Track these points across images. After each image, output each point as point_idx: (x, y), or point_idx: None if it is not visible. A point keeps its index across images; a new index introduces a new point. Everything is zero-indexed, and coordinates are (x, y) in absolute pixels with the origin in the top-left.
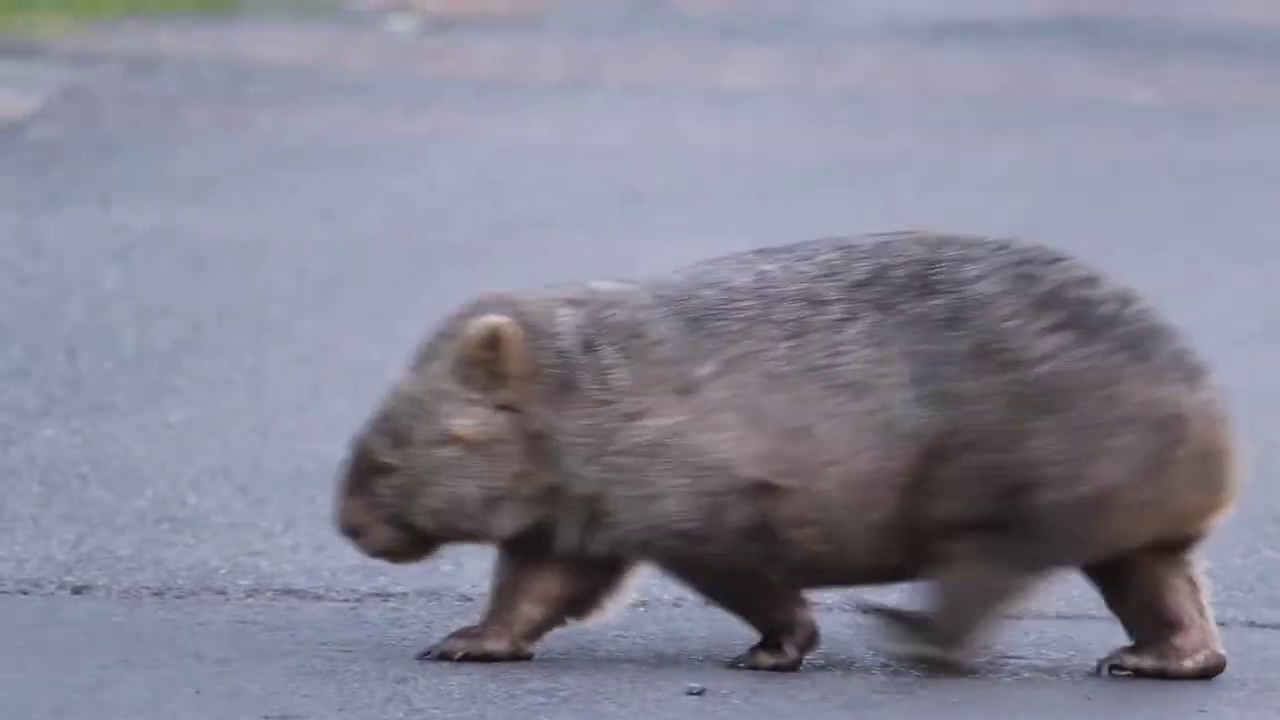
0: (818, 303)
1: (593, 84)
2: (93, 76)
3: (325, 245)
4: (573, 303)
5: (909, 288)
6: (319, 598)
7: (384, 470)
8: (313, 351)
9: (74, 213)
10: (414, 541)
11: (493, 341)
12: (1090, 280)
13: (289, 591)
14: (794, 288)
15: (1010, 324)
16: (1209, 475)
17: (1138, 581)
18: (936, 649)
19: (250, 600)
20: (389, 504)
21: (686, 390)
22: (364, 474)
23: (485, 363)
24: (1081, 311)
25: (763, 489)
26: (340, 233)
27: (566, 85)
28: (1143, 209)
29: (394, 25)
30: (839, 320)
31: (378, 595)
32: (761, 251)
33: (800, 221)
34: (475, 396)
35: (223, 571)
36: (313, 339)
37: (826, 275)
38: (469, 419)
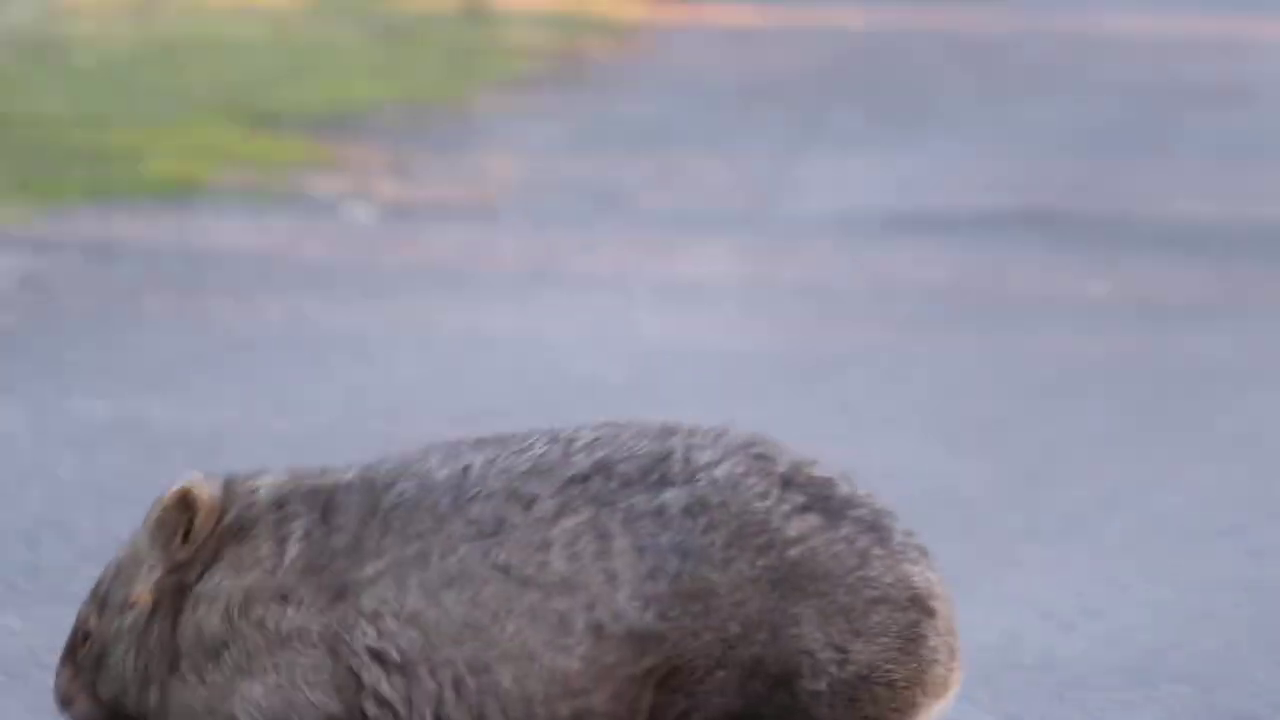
0: (522, 500)
1: (550, 275)
2: (50, 263)
3: (283, 436)
4: (288, 472)
5: (638, 481)
6: None
7: (86, 638)
8: None
9: (31, 401)
10: (108, 717)
11: (185, 503)
12: (813, 461)
13: None
14: (498, 483)
15: (761, 505)
16: (951, 650)
17: None
18: None
19: None
20: (88, 674)
21: (341, 595)
22: (75, 643)
23: (176, 525)
24: (821, 493)
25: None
26: (298, 424)
27: (524, 276)
28: (1096, 406)
29: (353, 214)
30: (547, 516)
31: None
32: (477, 442)
33: (758, 412)
34: (159, 558)
35: None
36: None
37: (537, 471)
38: (146, 581)
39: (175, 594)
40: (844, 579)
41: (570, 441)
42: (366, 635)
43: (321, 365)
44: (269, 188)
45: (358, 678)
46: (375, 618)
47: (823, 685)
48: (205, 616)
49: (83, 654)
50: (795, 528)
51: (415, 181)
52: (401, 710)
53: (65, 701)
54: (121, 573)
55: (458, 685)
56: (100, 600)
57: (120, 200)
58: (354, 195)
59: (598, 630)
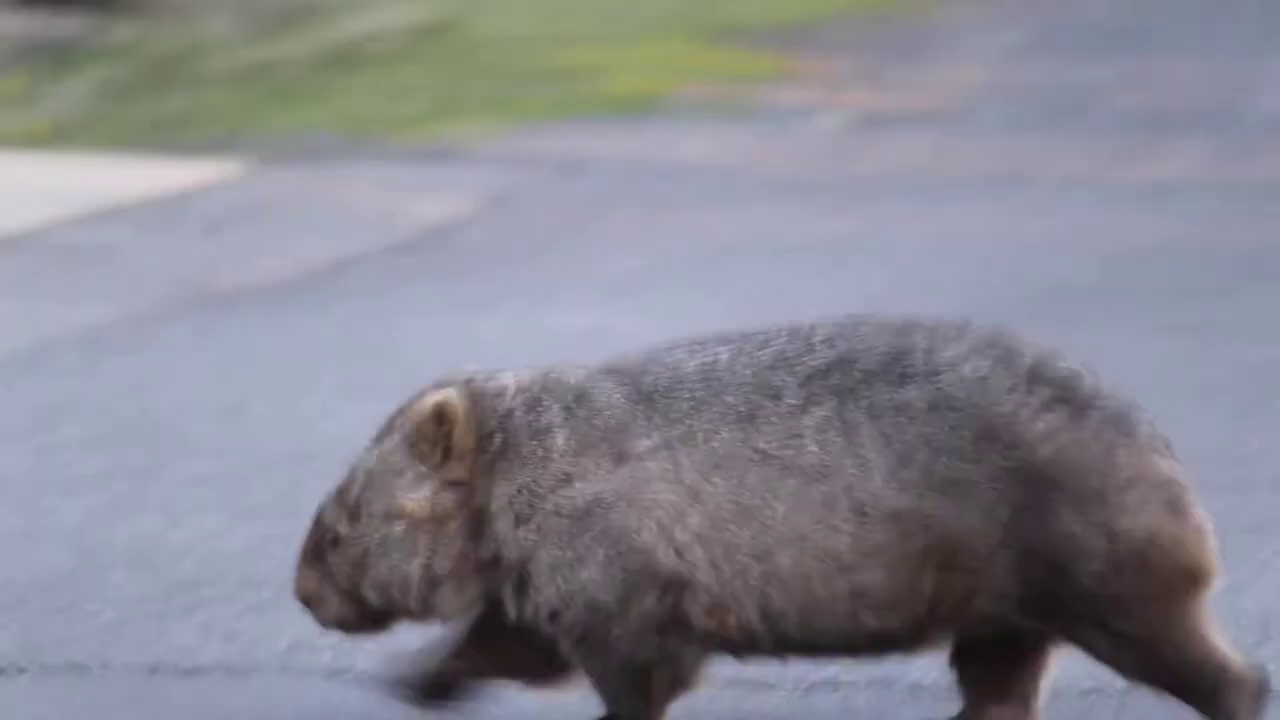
0: (771, 390)
1: (1020, 179)
2: (520, 180)
3: None
4: (528, 372)
5: (878, 377)
6: (770, 687)
7: (337, 542)
8: None
9: (507, 313)
10: (364, 615)
11: (440, 416)
12: (1056, 355)
13: (738, 682)
14: (747, 373)
15: (1008, 402)
16: (1211, 547)
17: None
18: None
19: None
20: (340, 576)
21: (622, 459)
22: (319, 545)
23: (434, 438)
24: (1068, 387)
25: (679, 583)
26: None
27: (993, 180)
28: None
29: (817, 124)
30: (796, 407)
31: (828, 684)
32: (720, 338)
33: (1234, 313)
34: (424, 472)
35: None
36: None
37: (781, 362)
38: (418, 494)
39: (459, 509)
40: (1094, 469)
41: (810, 336)
42: (663, 492)
43: (786, 275)
44: (731, 101)
45: (668, 538)
46: (661, 481)
47: (1099, 565)
48: (505, 530)
49: (334, 557)
50: (1043, 423)
51: (881, 90)
52: (711, 576)
53: (311, 601)
54: (375, 482)
55: (744, 570)
56: (351, 508)
57: (586, 116)
58: (818, 106)
59: (860, 511)
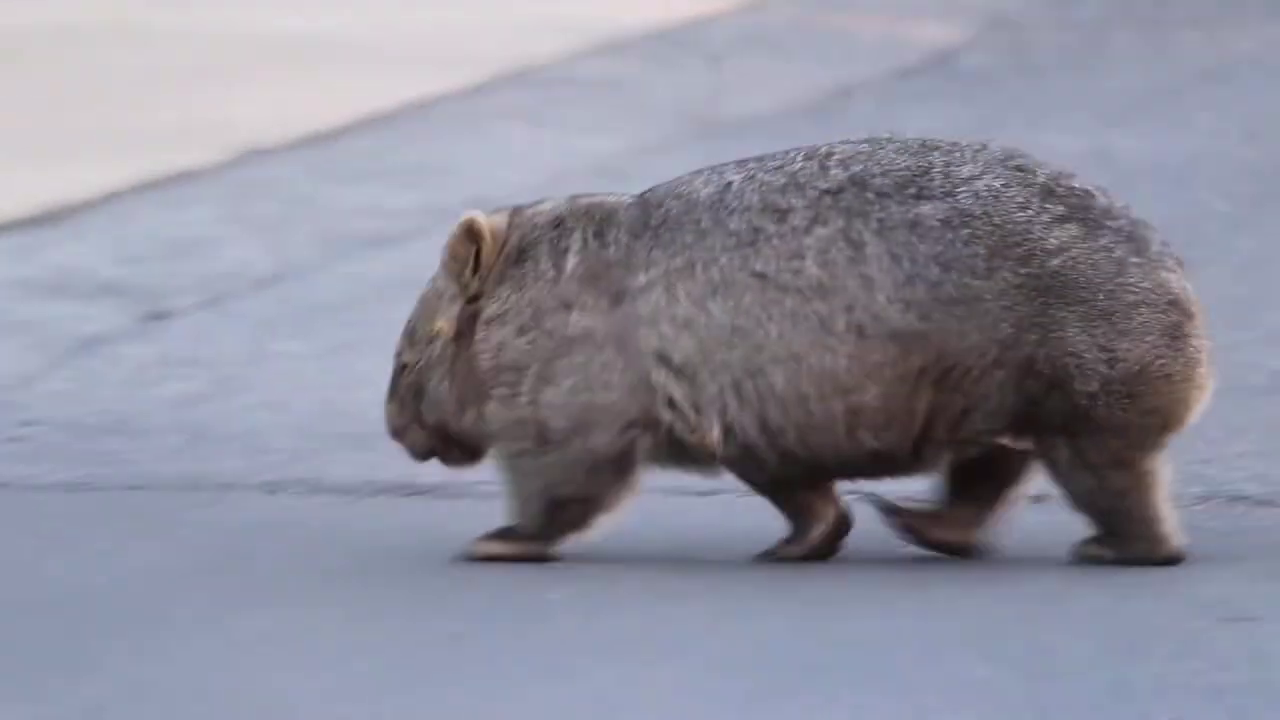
0: (778, 211)
1: None
2: (1019, 4)
3: (1252, 165)
4: (570, 197)
5: (894, 194)
6: (1271, 503)
7: (404, 370)
8: (1246, 265)
9: (1003, 137)
10: (447, 442)
11: (470, 234)
12: (1071, 173)
13: (1239, 498)
14: (754, 198)
15: (1022, 216)
16: (1210, 353)
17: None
18: (1138, 549)
19: (1200, 507)
20: (411, 403)
21: (618, 298)
22: (395, 376)
23: (465, 256)
24: (1081, 203)
25: (642, 422)
26: (1268, 153)
27: None
28: None
29: None
30: (801, 226)
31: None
32: (739, 162)
33: None
34: (455, 292)
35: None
36: (1246, 253)
37: (792, 185)
38: (448, 313)
39: (472, 321)
40: (1104, 286)
41: (827, 156)
42: (648, 338)
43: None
44: None
45: (648, 379)
46: (653, 322)
47: (1095, 386)
48: (502, 335)
49: (403, 386)
50: (1056, 237)
51: None
52: (690, 414)
53: (396, 433)
54: (426, 307)
55: (737, 388)
56: (410, 334)
57: None
58: None
59: (859, 330)
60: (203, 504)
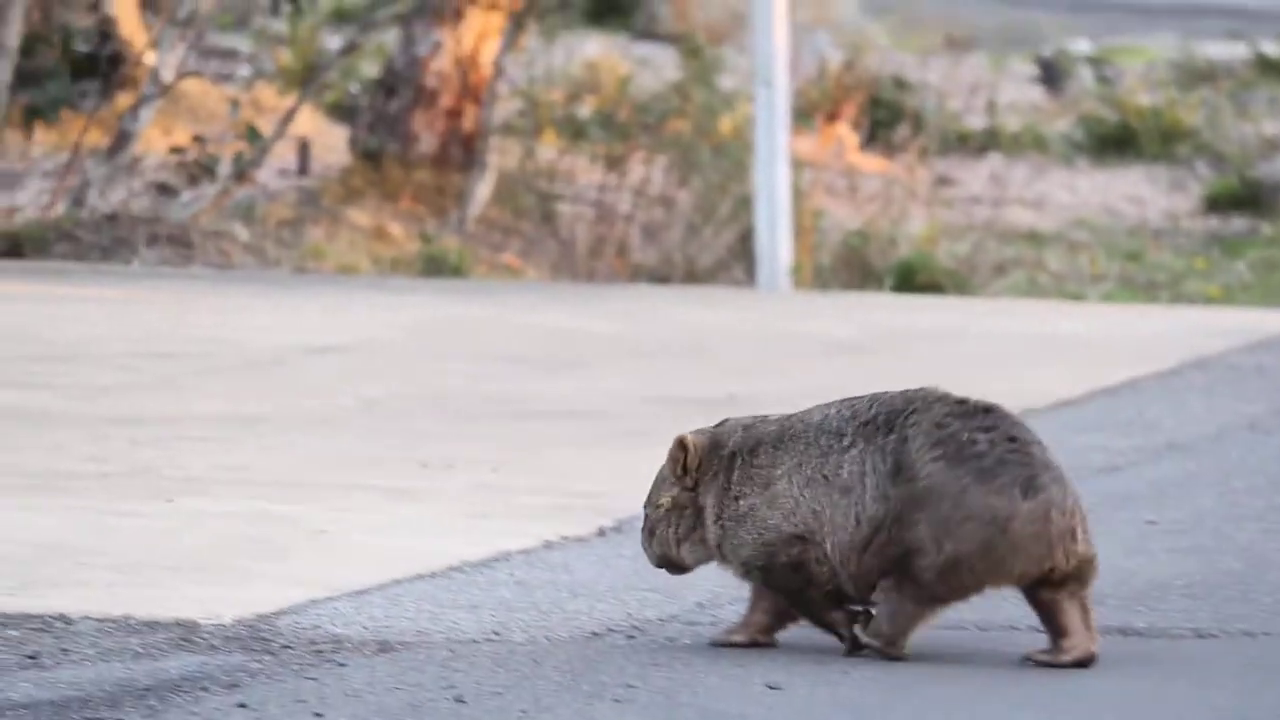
0: (839, 435)
1: None
2: None
3: None
4: (744, 427)
5: (881, 428)
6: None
7: (646, 519)
8: None
9: None
10: (665, 561)
11: (681, 447)
12: (985, 428)
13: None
14: (834, 425)
15: (914, 453)
16: (1032, 554)
17: (1046, 608)
18: (882, 646)
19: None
20: (648, 538)
21: (767, 485)
22: (644, 519)
23: (679, 460)
24: (958, 449)
25: (798, 540)
26: None
27: None
28: None
29: None
30: (846, 446)
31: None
32: (840, 400)
33: None
34: (674, 480)
35: None
36: None
37: (851, 417)
38: (669, 494)
39: (692, 505)
40: (945, 501)
41: (874, 401)
42: (786, 502)
43: None
44: None
45: (794, 518)
46: (785, 495)
47: (927, 562)
48: (709, 518)
49: (644, 527)
50: (926, 469)
51: None
52: (815, 552)
53: (645, 550)
54: (658, 485)
55: (821, 541)
56: (650, 499)
57: None
58: None
59: (858, 520)
60: None
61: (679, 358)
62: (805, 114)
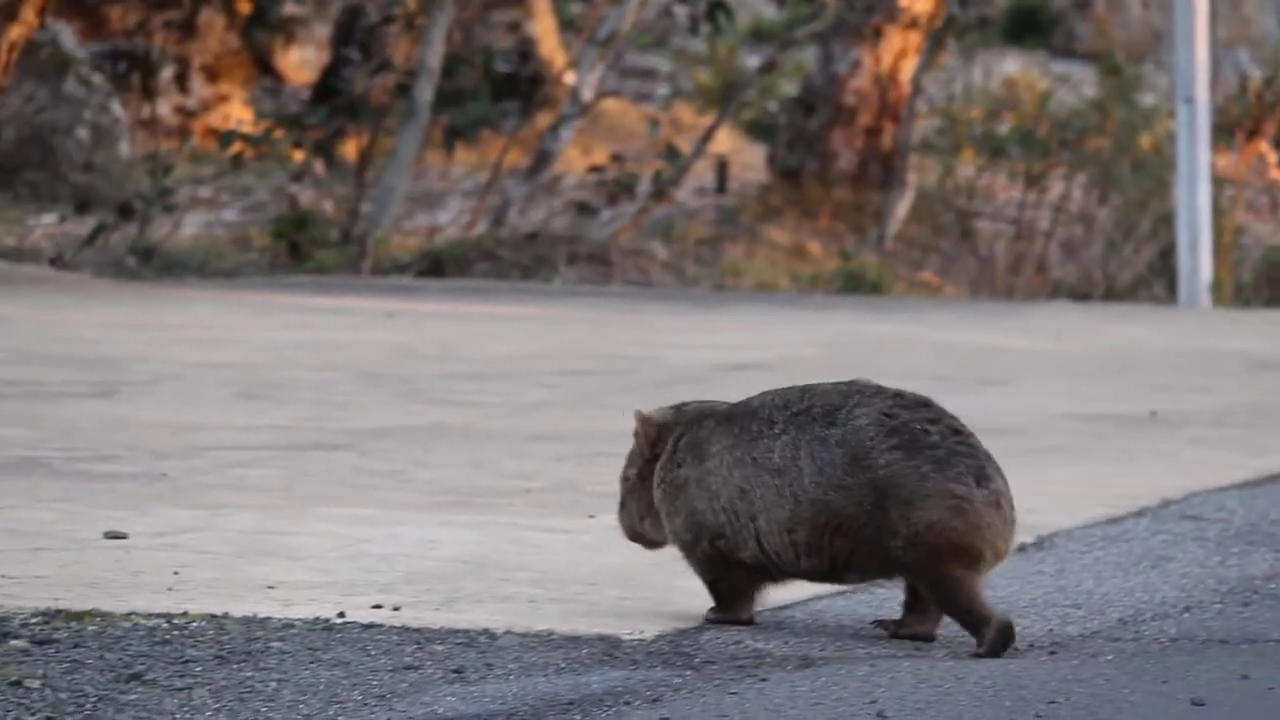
0: (770, 422)
1: None
2: None
3: None
4: (699, 408)
5: (818, 419)
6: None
7: (620, 494)
8: None
9: None
10: (637, 536)
11: (641, 421)
12: (931, 420)
13: None
14: (766, 413)
15: (868, 443)
16: (986, 535)
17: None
18: (977, 627)
19: None
20: (620, 513)
21: (703, 458)
22: (621, 494)
23: (640, 435)
24: (912, 439)
25: (719, 536)
26: None
27: None
28: None
29: None
30: (778, 433)
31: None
32: (775, 390)
33: None
34: (639, 454)
35: None
36: None
37: (783, 406)
38: (635, 468)
39: (649, 475)
40: (909, 486)
41: (804, 392)
42: (715, 480)
43: None
44: None
45: (717, 503)
46: (715, 474)
47: (900, 541)
48: (655, 484)
49: (619, 505)
50: (884, 459)
51: None
52: (732, 529)
53: (620, 523)
54: (629, 458)
55: (746, 526)
56: (622, 475)
57: None
58: None
59: (795, 499)
60: None
61: (1099, 374)
62: (1226, 130)
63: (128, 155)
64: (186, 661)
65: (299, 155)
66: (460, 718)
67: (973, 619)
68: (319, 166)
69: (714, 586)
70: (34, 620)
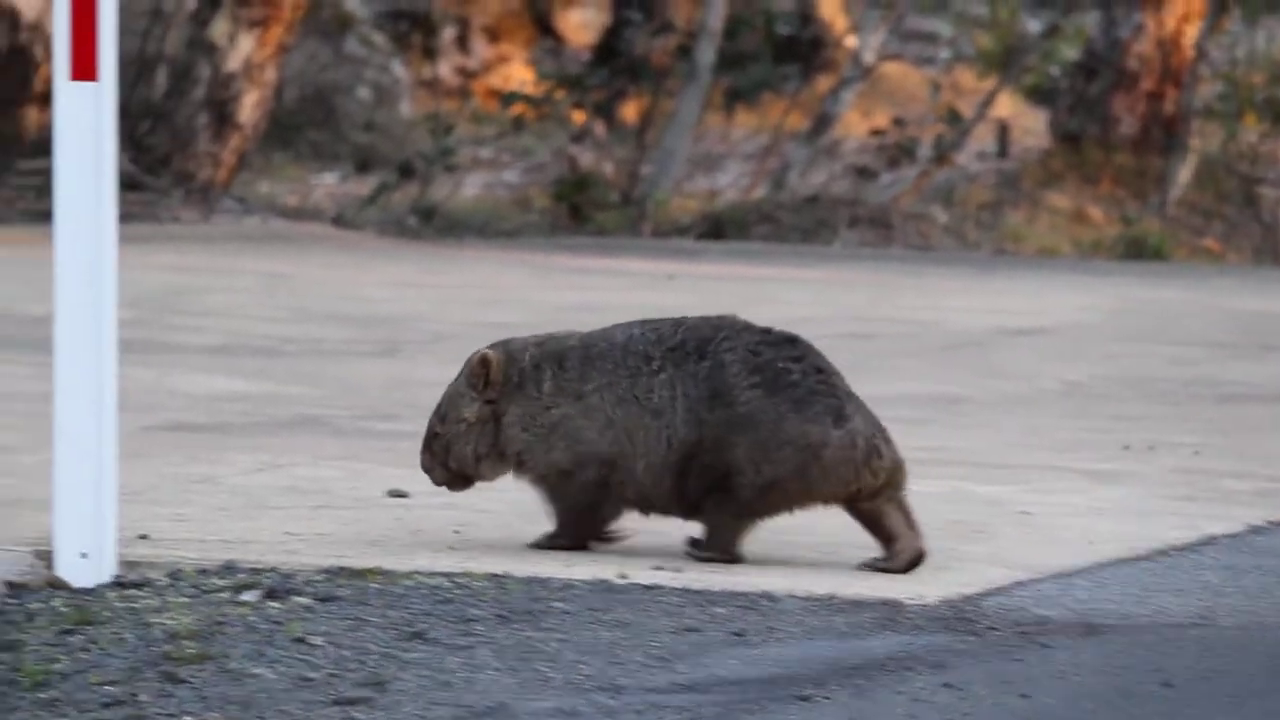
0: (647, 358)
1: None
2: None
3: None
4: (537, 343)
5: (692, 354)
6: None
7: (437, 436)
8: None
9: None
10: (455, 478)
11: (484, 364)
12: (795, 358)
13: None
14: (640, 347)
15: (731, 379)
16: (840, 477)
17: (869, 519)
18: (716, 556)
19: None
20: (440, 455)
21: (578, 397)
22: (429, 438)
23: (479, 376)
24: (774, 377)
25: (606, 462)
26: None
27: None
28: None
29: None
30: (655, 370)
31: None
32: (643, 321)
33: None
34: (474, 396)
35: None
36: None
37: (657, 341)
38: (469, 410)
39: (493, 418)
40: (764, 427)
41: (677, 326)
42: (599, 415)
43: None
44: None
45: (608, 433)
46: (598, 410)
47: (746, 481)
48: (512, 429)
49: (435, 445)
50: (745, 396)
51: None
52: (622, 460)
53: (427, 470)
54: (452, 401)
55: (629, 463)
56: (442, 416)
57: None
58: None
59: (668, 442)
60: None
61: None
62: None
63: (408, 115)
64: (468, 620)
65: (579, 116)
66: (742, 681)
67: (723, 548)
68: (599, 128)
69: (571, 514)
70: (317, 577)
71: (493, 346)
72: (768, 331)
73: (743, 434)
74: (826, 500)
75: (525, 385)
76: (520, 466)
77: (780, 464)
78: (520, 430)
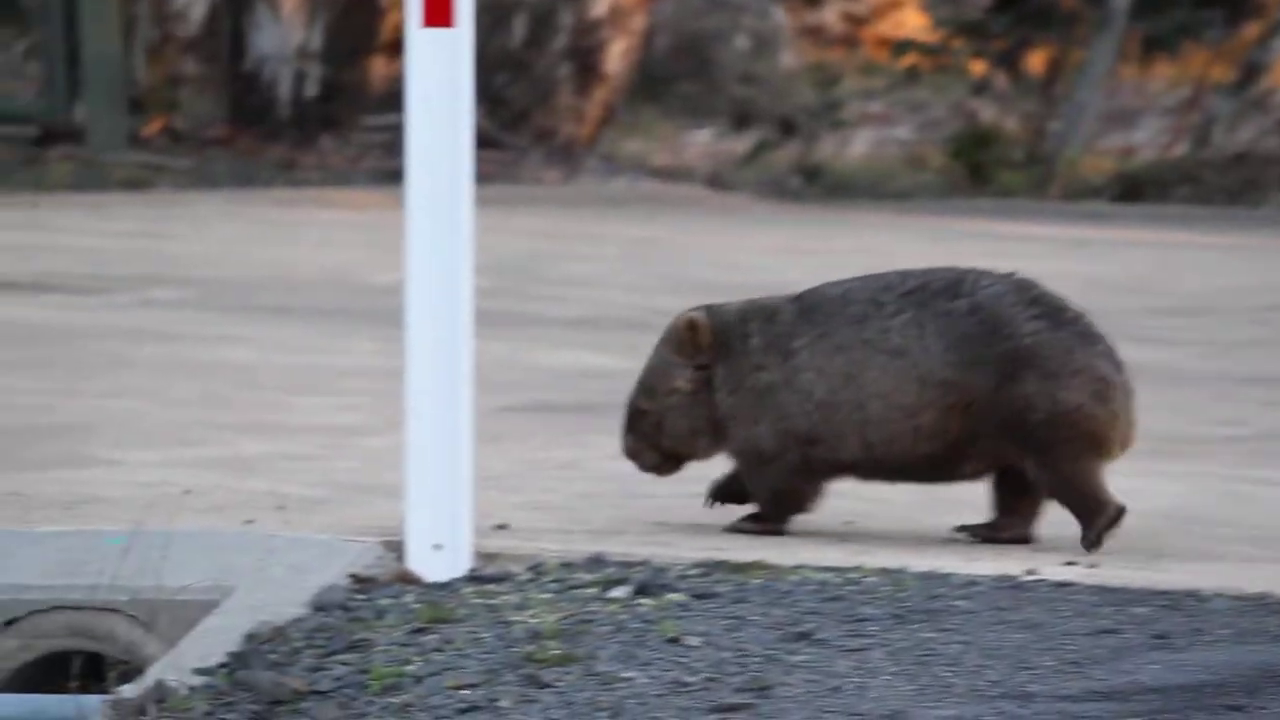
0: (876, 304)
1: None
2: None
3: None
4: (746, 301)
5: (942, 294)
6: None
7: (645, 414)
8: None
9: None
10: (668, 460)
11: (691, 328)
12: (1062, 299)
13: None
14: (864, 295)
15: (1010, 311)
16: (1130, 420)
17: (1027, 485)
18: (1103, 520)
19: None
20: (650, 436)
21: (787, 356)
22: (634, 418)
23: (688, 342)
24: (1054, 310)
25: (808, 440)
26: None
27: None
28: None
29: None
30: (892, 313)
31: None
32: (857, 277)
33: None
34: (683, 363)
35: None
36: None
37: (885, 289)
38: (680, 379)
39: (705, 384)
40: (1054, 358)
41: (906, 275)
42: (805, 379)
43: None
44: None
45: (809, 403)
46: (805, 369)
47: (1041, 416)
48: (725, 392)
49: (644, 425)
50: (1029, 327)
51: None
52: (827, 429)
53: (634, 455)
54: (657, 373)
55: (853, 411)
56: (649, 390)
57: None
58: None
59: (921, 380)
60: None
61: None
62: None
63: (790, 66)
64: (860, 620)
65: (979, 67)
66: (1165, 688)
67: (1088, 505)
68: (1002, 80)
69: (777, 496)
70: (693, 572)
71: (695, 310)
72: (1008, 274)
73: (1030, 366)
74: (1111, 445)
75: (733, 344)
76: (723, 438)
77: (1074, 390)
78: (728, 394)
